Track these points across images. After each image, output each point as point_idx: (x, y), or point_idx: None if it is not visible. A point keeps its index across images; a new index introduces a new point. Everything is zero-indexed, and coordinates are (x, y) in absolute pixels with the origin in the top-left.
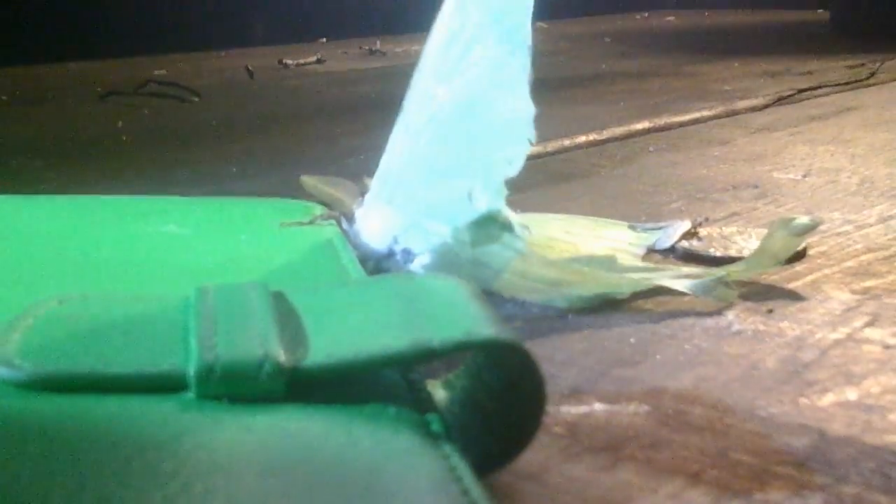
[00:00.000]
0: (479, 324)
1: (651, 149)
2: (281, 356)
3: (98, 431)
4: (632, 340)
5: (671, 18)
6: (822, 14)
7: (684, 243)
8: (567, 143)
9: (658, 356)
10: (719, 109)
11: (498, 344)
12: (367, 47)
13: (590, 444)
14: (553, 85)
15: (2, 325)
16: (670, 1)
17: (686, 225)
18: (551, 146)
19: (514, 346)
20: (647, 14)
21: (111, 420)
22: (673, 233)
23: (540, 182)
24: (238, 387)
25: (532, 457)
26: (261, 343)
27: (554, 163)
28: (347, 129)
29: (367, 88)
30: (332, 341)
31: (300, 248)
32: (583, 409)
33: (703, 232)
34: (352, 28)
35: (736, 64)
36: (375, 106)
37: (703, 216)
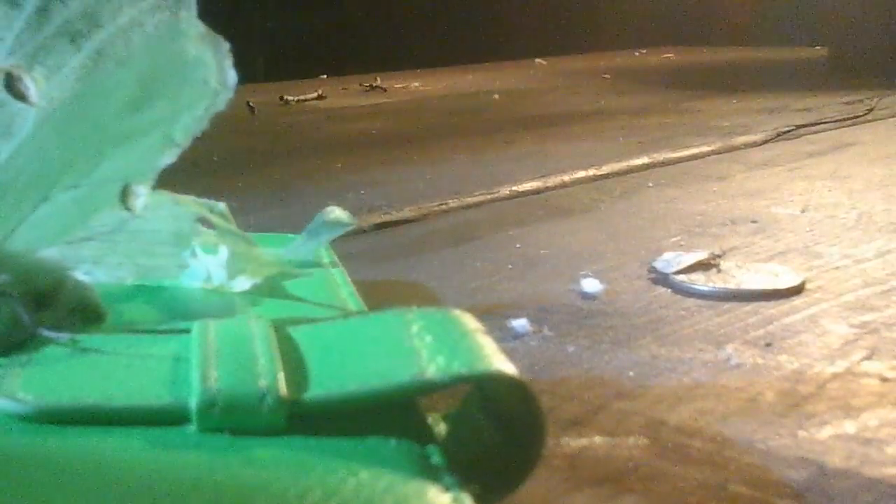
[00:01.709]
0: (479, 357)
1: (650, 184)
2: (282, 389)
3: (102, 464)
4: (631, 374)
5: (669, 55)
6: (819, 51)
7: (682, 276)
8: (567, 178)
9: (657, 389)
10: (718, 145)
11: (499, 377)
12: (367, 84)
13: (590, 476)
14: (553, 121)
15: (4, 360)
16: (669, 38)
17: (698, 255)
18: (551, 181)
19: (515, 379)
20: (645, 51)
21: (114, 453)
22: (677, 260)
23: (540, 217)
24: (239, 420)
25: (533, 489)
26: (262, 376)
27: (554, 198)
28: (347, 164)
29: (366, 124)
30: (333, 374)
31: (300, 282)
32: (583, 441)
33: (723, 265)
34: (352, 64)
35: (734, 100)
36: (375, 142)
37: (720, 249)
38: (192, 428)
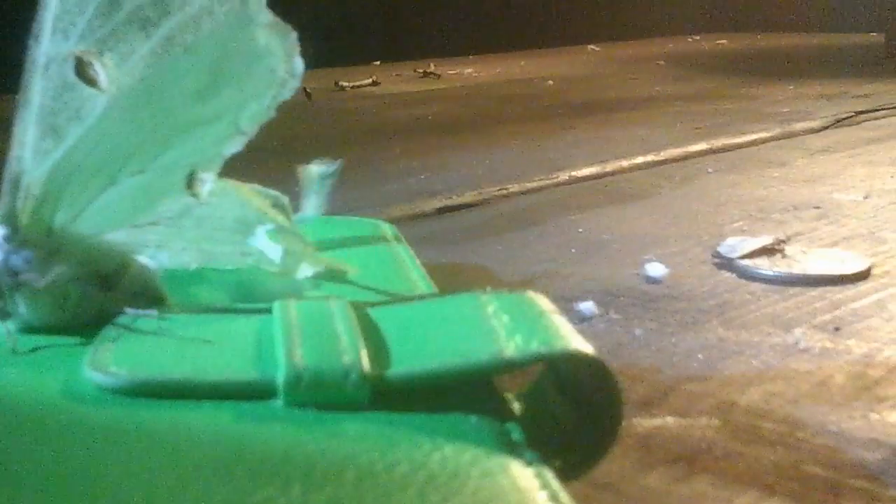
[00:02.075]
0: (557, 336)
1: (710, 170)
2: (365, 366)
3: (193, 436)
4: (699, 356)
5: (723, 41)
6: (875, 37)
7: (747, 261)
8: (625, 164)
9: (726, 372)
10: (776, 131)
11: (577, 356)
12: (420, 70)
13: (663, 455)
14: (608, 107)
15: (95, 336)
16: (722, 24)
17: (763, 240)
18: (610, 167)
19: (593, 358)
20: (698, 37)
21: (205, 425)
22: (741, 245)
23: (601, 202)
24: (324, 395)
25: (608, 467)
26: (345, 353)
27: (613, 183)
28: (405, 149)
29: (422, 110)
30: (414, 352)
31: (371, 264)
32: (655, 421)
33: (788, 250)
34: (404, 50)
35: (791, 86)
36: (432, 127)
37: (784, 235)
38: (278, 403)
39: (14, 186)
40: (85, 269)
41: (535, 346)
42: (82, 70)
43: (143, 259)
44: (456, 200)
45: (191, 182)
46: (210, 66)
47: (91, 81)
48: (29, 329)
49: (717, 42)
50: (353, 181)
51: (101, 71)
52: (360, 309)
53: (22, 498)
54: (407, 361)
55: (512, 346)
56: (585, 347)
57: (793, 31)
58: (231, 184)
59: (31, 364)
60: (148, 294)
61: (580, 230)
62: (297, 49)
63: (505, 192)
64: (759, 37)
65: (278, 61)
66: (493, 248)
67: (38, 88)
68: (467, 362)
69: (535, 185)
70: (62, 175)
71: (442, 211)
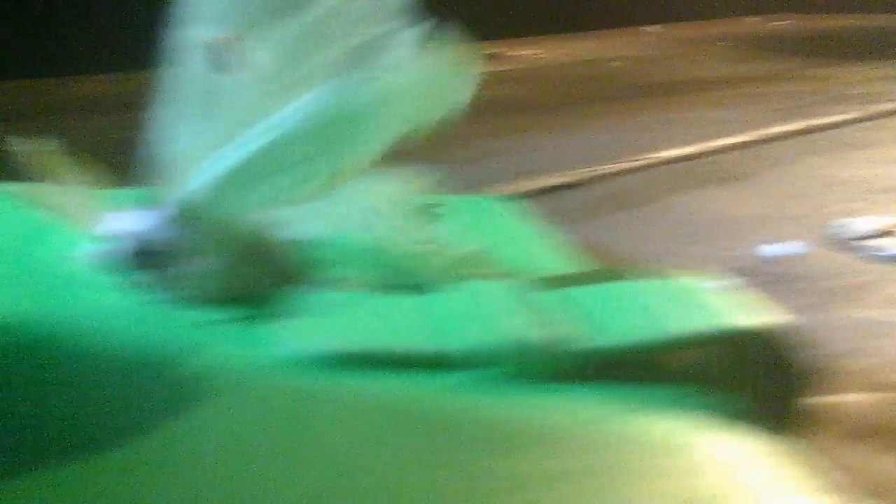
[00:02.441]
0: (749, 312)
1: (799, 151)
2: (576, 338)
3: (386, 402)
4: (840, 336)
5: (785, 22)
6: None
7: (867, 242)
8: (713, 145)
9: (875, 351)
10: (858, 113)
11: (773, 332)
12: (484, 52)
13: (858, 428)
14: (678, 88)
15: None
16: (779, 4)
17: (881, 221)
18: (697, 149)
19: (788, 333)
20: (758, 18)
21: (399, 392)
22: (856, 226)
23: (696, 184)
24: (544, 365)
25: (797, 440)
26: (558, 325)
27: (702, 165)
28: (478, 131)
29: (492, 92)
30: (621, 326)
31: (515, 241)
32: (834, 397)
33: None
34: (465, 32)
35: (861, 67)
36: (505, 109)
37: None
38: (501, 372)
39: (170, 168)
40: (237, 248)
41: (738, 322)
42: (227, 54)
43: (287, 235)
44: (548, 182)
45: (335, 181)
46: (342, 57)
47: (235, 66)
48: (190, 303)
49: (782, 22)
50: (429, 163)
51: (245, 56)
52: (531, 287)
53: (246, 456)
54: (618, 335)
55: (714, 322)
56: (783, 322)
57: (857, 12)
58: (385, 194)
59: (215, 336)
60: (296, 271)
61: (682, 211)
62: (428, 42)
63: (597, 173)
64: (823, 17)
65: (408, 53)
66: (599, 228)
67: (185, 71)
68: (677, 335)
69: (625, 166)
70: (212, 157)
71: (536, 193)
